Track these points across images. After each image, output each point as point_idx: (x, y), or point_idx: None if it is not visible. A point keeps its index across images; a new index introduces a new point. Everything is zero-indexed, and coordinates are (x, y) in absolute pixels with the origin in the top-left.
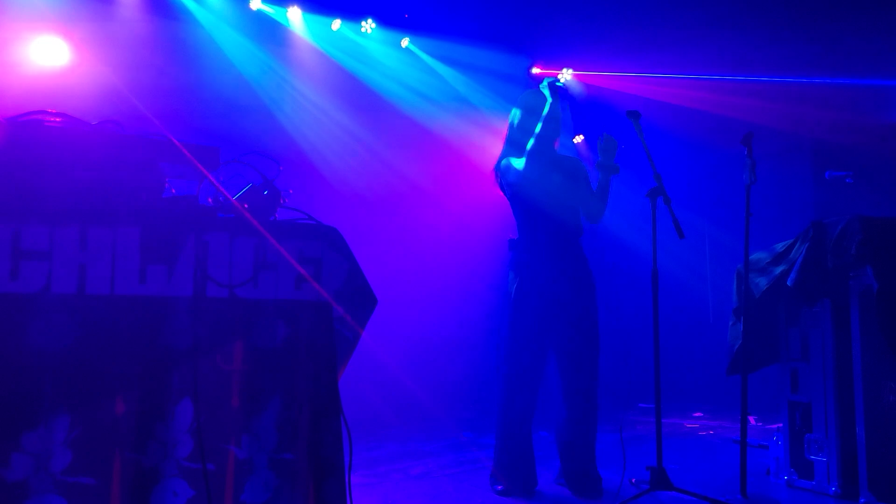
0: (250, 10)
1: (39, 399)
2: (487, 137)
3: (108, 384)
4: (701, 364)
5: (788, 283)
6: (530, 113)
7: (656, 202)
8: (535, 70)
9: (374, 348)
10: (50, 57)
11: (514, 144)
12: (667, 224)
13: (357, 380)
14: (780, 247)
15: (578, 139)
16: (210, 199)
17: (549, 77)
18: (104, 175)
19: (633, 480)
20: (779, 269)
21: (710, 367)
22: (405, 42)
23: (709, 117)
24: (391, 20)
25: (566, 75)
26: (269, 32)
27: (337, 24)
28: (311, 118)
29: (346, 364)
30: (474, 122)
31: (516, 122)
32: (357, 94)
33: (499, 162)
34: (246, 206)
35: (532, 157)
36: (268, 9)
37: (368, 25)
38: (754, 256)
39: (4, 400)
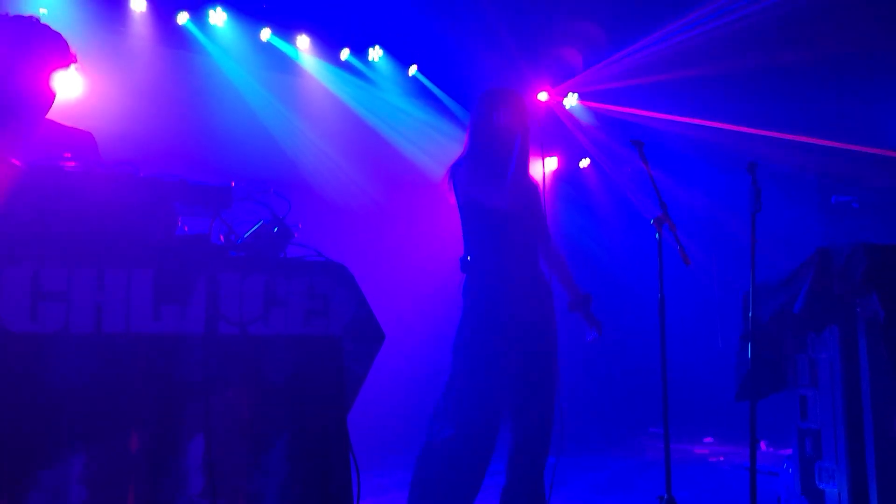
0: (260, 40)
1: (57, 437)
2: None
3: (123, 421)
4: (710, 389)
5: (795, 310)
6: (499, 118)
7: (662, 229)
8: (542, 96)
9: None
10: (64, 89)
11: (477, 152)
12: (674, 251)
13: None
14: (786, 273)
15: (584, 163)
16: (222, 237)
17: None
18: (120, 217)
19: None
20: (785, 296)
21: (719, 391)
22: (413, 69)
23: (715, 146)
24: (398, 49)
25: (572, 100)
26: (279, 63)
27: (345, 53)
28: (317, 150)
29: (355, 398)
30: None
31: (483, 124)
32: (363, 127)
33: (459, 166)
34: (257, 243)
35: (511, 193)
36: (277, 39)
37: (376, 53)
38: (761, 282)
39: (23, 438)
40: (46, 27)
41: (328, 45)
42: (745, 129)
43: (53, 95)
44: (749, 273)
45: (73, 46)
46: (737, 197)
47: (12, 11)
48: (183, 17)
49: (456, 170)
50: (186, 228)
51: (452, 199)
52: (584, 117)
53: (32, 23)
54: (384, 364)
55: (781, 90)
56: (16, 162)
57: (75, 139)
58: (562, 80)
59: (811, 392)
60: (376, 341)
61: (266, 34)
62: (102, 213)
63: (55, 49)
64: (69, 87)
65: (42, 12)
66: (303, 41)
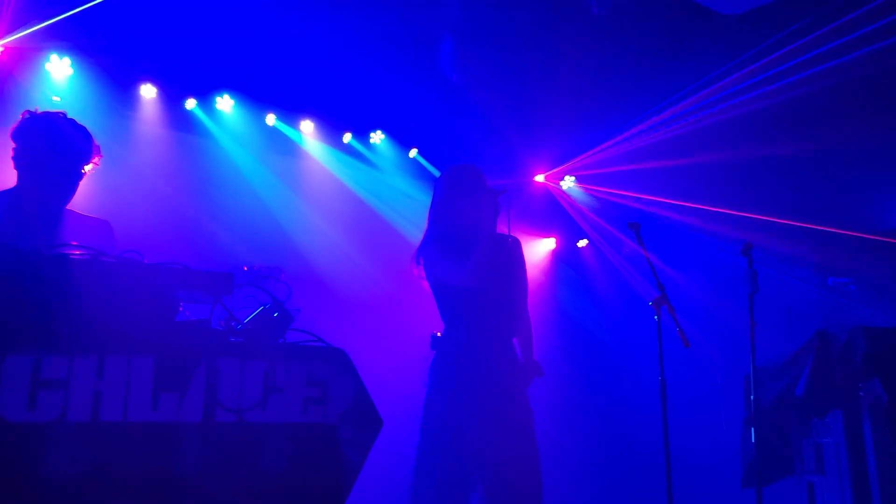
0: (266, 125)
1: None
2: None
3: None
4: (715, 474)
5: (797, 393)
6: (461, 196)
7: (661, 311)
8: (539, 178)
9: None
10: None
11: (440, 232)
12: (674, 332)
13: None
14: (786, 355)
15: (582, 243)
16: (222, 322)
17: (497, 186)
18: (122, 303)
19: None
20: (787, 379)
21: (724, 477)
22: (413, 152)
23: (712, 229)
24: (398, 132)
25: (569, 182)
26: (284, 146)
27: (348, 136)
28: (319, 232)
29: (352, 487)
30: None
31: (445, 203)
32: (364, 208)
33: (424, 248)
34: (257, 329)
35: (472, 274)
36: (281, 124)
37: (377, 137)
38: (762, 365)
39: None
40: (77, 124)
41: (331, 129)
42: (742, 213)
43: (77, 184)
44: (749, 355)
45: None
46: (734, 279)
47: (27, 96)
48: (191, 103)
49: (421, 251)
50: (187, 313)
51: (424, 284)
52: (581, 199)
53: (64, 120)
54: (382, 451)
55: (777, 176)
56: (21, 250)
57: (92, 228)
58: (559, 162)
59: (818, 478)
60: (374, 428)
61: (271, 119)
62: (105, 300)
63: (85, 147)
64: None
65: (55, 99)
66: (307, 125)
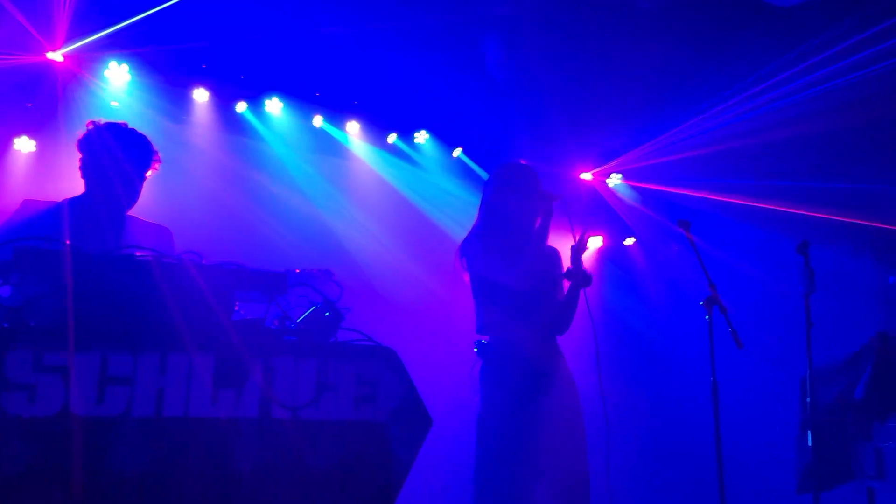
0: (313, 126)
1: None
2: None
3: None
4: (769, 479)
5: (856, 396)
6: (513, 196)
7: (712, 311)
8: (586, 175)
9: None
10: None
11: (489, 229)
12: (725, 332)
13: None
14: (844, 357)
15: (629, 242)
16: (276, 322)
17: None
18: (183, 303)
19: None
20: (845, 381)
21: (779, 482)
22: (457, 152)
23: (766, 221)
24: (443, 132)
25: (616, 180)
26: (330, 147)
27: (392, 137)
28: (365, 231)
29: (402, 485)
30: None
31: (496, 201)
32: (409, 207)
33: (470, 243)
34: (310, 328)
35: (522, 276)
36: (328, 125)
37: (422, 136)
38: (818, 367)
39: None
40: (137, 133)
41: (376, 130)
42: (798, 210)
43: (139, 191)
44: (805, 356)
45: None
46: (789, 278)
47: (87, 103)
48: (241, 107)
49: (467, 247)
50: (242, 312)
51: (466, 278)
52: (628, 196)
53: (126, 129)
54: (431, 450)
55: (834, 171)
56: (86, 251)
57: (154, 234)
58: (605, 159)
59: (878, 484)
60: (423, 427)
61: (318, 121)
62: (167, 300)
63: (146, 153)
64: None
65: (114, 105)
66: (352, 126)
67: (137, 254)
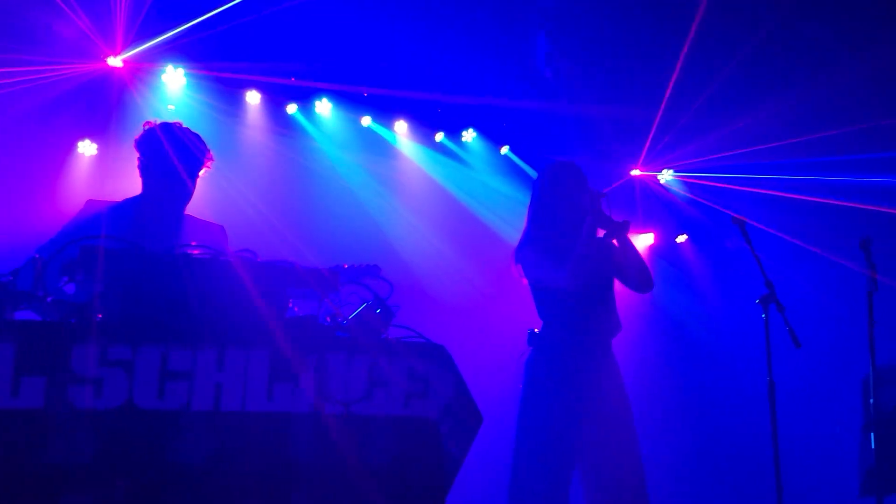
0: (361, 126)
1: None
2: None
3: (237, 498)
4: (829, 483)
5: None
6: (561, 195)
7: (769, 309)
8: (636, 172)
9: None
10: None
11: (539, 231)
12: (782, 331)
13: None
14: None
15: (681, 239)
16: (328, 318)
17: (596, 188)
18: (240, 300)
19: None
20: None
21: (839, 486)
22: (504, 149)
23: (826, 217)
24: (490, 130)
25: (667, 176)
26: (378, 147)
27: (440, 135)
28: (413, 230)
29: (453, 481)
30: None
31: (544, 201)
32: (457, 206)
33: (522, 248)
34: (361, 324)
35: (572, 276)
36: (376, 125)
37: (469, 135)
38: (882, 366)
39: None
40: (192, 132)
41: (424, 129)
42: (860, 204)
43: (193, 189)
44: (867, 356)
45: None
46: (851, 275)
47: (144, 104)
48: (292, 108)
49: (520, 252)
50: (296, 309)
51: (524, 280)
52: (680, 193)
53: (181, 129)
54: (482, 447)
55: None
56: (148, 249)
57: (209, 232)
58: (656, 155)
59: None
60: (474, 424)
61: (367, 121)
62: (225, 297)
63: (201, 153)
64: None
65: (170, 108)
66: (400, 126)
67: (196, 252)
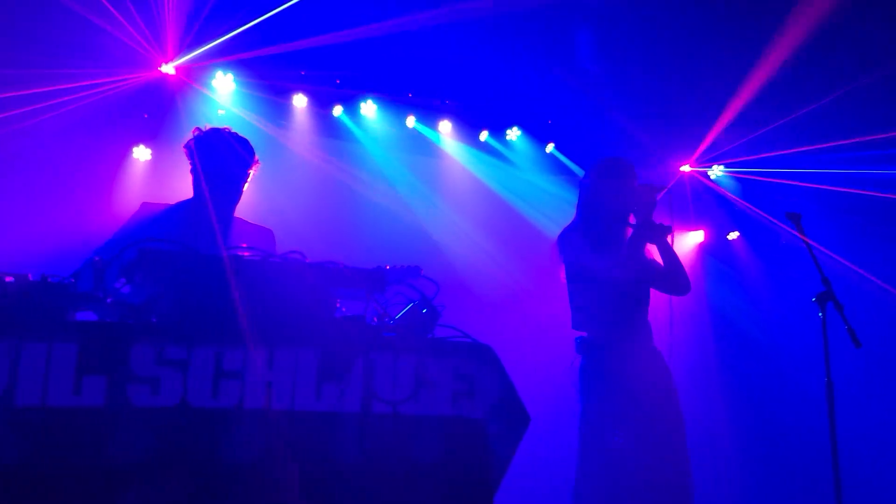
0: (406, 127)
1: None
2: None
3: (287, 497)
4: (891, 485)
5: None
6: (610, 190)
7: (826, 308)
8: (686, 168)
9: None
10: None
11: (587, 223)
12: (840, 331)
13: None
14: None
15: (733, 236)
16: (375, 318)
17: (647, 182)
18: (289, 300)
19: None
20: None
21: None
22: (550, 147)
23: (884, 211)
24: (535, 128)
25: (717, 171)
26: (423, 147)
27: (484, 134)
28: (458, 230)
29: (501, 481)
30: None
31: (593, 195)
32: (502, 205)
33: (569, 234)
34: (408, 324)
35: (623, 267)
36: (421, 125)
37: (514, 133)
38: None
39: None
40: (239, 136)
41: (468, 128)
42: None
43: (242, 192)
44: None
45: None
46: None
47: (196, 110)
48: (338, 110)
49: (566, 238)
50: (344, 309)
51: (561, 270)
52: (731, 188)
53: (229, 133)
54: (530, 447)
55: None
56: (204, 253)
57: (258, 234)
58: (706, 151)
59: None
60: (522, 424)
61: (411, 121)
62: (275, 297)
63: (248, 156)
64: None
65: (220, 113)
66: (444, 126)
67: (247, 255)
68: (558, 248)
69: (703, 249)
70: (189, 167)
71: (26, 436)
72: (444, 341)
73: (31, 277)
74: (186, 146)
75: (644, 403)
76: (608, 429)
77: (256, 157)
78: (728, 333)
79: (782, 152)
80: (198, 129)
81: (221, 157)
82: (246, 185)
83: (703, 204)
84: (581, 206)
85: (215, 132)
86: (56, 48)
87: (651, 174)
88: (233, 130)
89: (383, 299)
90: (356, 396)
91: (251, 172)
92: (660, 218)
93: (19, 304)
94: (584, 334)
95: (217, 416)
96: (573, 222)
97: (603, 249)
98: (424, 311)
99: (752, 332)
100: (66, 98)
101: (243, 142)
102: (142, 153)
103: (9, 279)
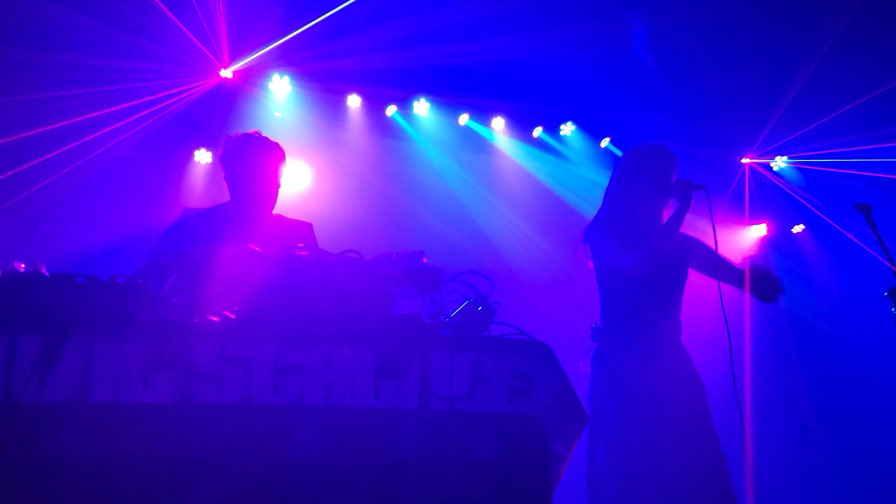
0: (459, 125)
1: None
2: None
3: (346, 493)
4: None
5: None
6: (640, 180)
7: None
8: (746, 160)
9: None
10: (295, 181)
11: (613, 214)
12: None
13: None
14: None
15: (798, 229)
16: (431, 316)
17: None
18: (347, 299)
19: None
20: None
21: None
22: (605, 142)
23: None
24: (589, 123)
25: (780, 163)
26: (476, 144)
27: (538, 130)
28: (512, 227)
29: (559, 480)
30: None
31: (622, 185)
32: (557, 201)
33: (594, 227)
34: (463, 322)
35: (641, 263)
36: (474, 123)
37: (568, 128)
38: None
39: None
40: (269, 140)
41: (521, 125)
42: None
43: (277, 190)
44: None
45: (301, 141)
46: None
47: (254, 114)
48: (391, 110)
49: (590, 232)
50: (401, 307)
51: (590, 263)
52: (795, 180)
53: (260, 138)
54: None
55: None
56: (257, 250)
57: (297, 229)
58: (768, 142)
59: None
60: (580, 422)
61: (464, 119)
62: (332, 296)
63: (279, 157)
64: (300, 178)
65: (277, 115)
66: (498, 123)
67: (304, 254)
68: (583, 241)
69: (767, 243)
70: (223, 175)
71: (100, 431)
72: (501, 339)
73: (101, 278)
74: (220, 156)
75: (654, 402)
76: (600, 443)
77: (284, 156)
78: (794, 330)
79: (847, 141)
80: (228, 137)
81: (251, 163)
82: (279, 184)
83: (765, 197)
84: (607, 196)
85: (246, 139)
86: (124, 61)
87: (709, 167)
88: (262, 135)
89: (439, 297)
90: (413, 393)
91: (280, 170)
92: (700, 214)
93: (91, 303)
94: (601, 324)
95: (278, 413)
96: (598, 214)
97: (624, 243)
98: (480, 308)
99: (819, 328)
100: (139, 115)
101: (274, 145)
102: (203, 156)
103: (80, 280)
